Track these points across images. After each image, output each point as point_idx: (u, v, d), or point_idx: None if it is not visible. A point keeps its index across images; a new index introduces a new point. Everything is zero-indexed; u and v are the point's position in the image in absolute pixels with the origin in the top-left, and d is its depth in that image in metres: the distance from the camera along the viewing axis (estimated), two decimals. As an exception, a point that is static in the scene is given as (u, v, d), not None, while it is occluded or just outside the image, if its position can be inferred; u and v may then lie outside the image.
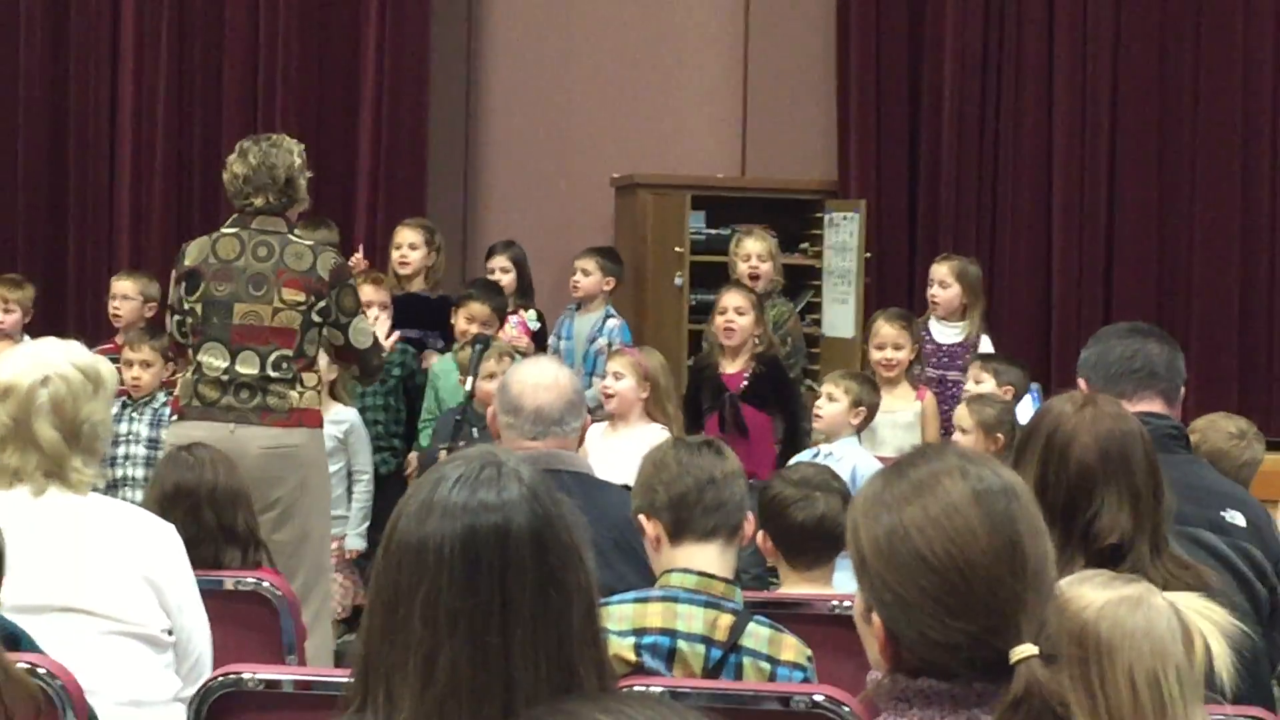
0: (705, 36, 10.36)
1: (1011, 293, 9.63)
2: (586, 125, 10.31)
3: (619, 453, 6.11)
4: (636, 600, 3.53)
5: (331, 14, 9.85)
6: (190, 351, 6.08)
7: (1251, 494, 4.41)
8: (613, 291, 8.44)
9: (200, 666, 3.77)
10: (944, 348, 7.67)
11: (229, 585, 4.29)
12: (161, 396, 7.14)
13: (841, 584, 4.40)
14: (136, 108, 9.70)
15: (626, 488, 4.03)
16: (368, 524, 7.36)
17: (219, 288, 6.02)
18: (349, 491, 7.33)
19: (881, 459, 6.16)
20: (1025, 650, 2.17)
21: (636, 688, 3.12)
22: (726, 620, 3.51)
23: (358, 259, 8.10)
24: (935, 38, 9.85)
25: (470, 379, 6.50)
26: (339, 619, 7.02)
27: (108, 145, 9.78)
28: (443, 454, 6.63)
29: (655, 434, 6.18)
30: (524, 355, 6.61)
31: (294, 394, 5.97)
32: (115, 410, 6.71)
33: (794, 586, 4.46)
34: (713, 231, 9.74)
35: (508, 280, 8.36)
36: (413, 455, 7.56)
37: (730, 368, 7.30)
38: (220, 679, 3.31)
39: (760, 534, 4.40)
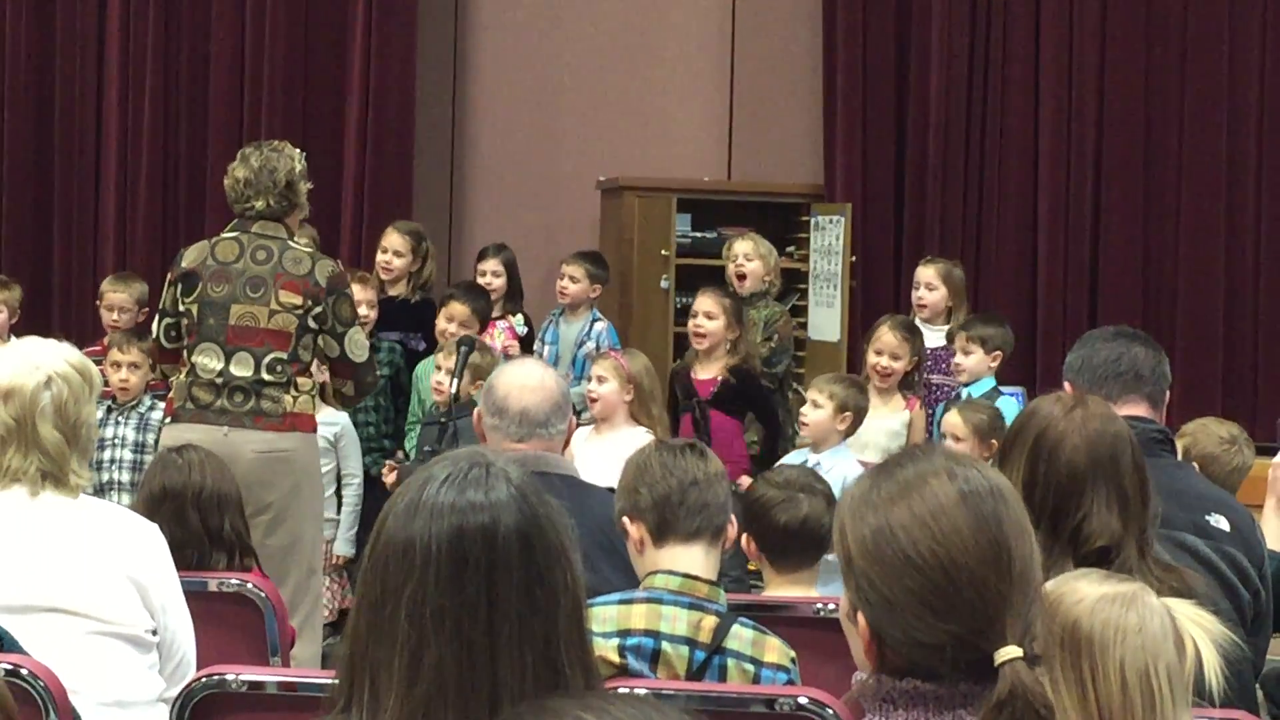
0: (691, 40, 10.37)
1: (996, 296, 9.63)
2: (573, 128, 10.31)
3: (603, 456, 6.10)
4: (621, 601, 3.53)
5: (318, 17, 9.84)
6: (184, 353, 6.06)
7: (1237, 499, 4.42)
8: (598, 296, 8.44)
9: (184, 667, 3.77)
10: (929, 351, 7.68)
11: (213, 587, 4.28)
12: (148, 400, 7.13)
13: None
14: (122, 110, 9.69)
15: (611, 490, 4.03)
16: (356, 529, 7.35)
17: (216, 289, 6.01)
18: (338, 494, 7.30)
19: (863, 464, 6.15)
20: (1010, 652, 2.17)
21: (621, 689, 3.12)
22: (710, 622, 3.51)
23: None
24: (921, 41, 9.86)
25: (455, 381, 6.49)
26: (326, 622, 7.01)
27: (93, 148, 9.77)
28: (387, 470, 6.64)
29: (639, 437, 6.18)
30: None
31: (288, 398, 5.97)
32: (100, 414, 6.72)
33: (778, 589, 4.46)
34: (699, 234, 9.75)
35: (498, 284, 8.33)
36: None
37: (704, 373, 7.27)
38: (204, 680, 3.30)
39: (744, 536, 4.40)
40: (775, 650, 3.56)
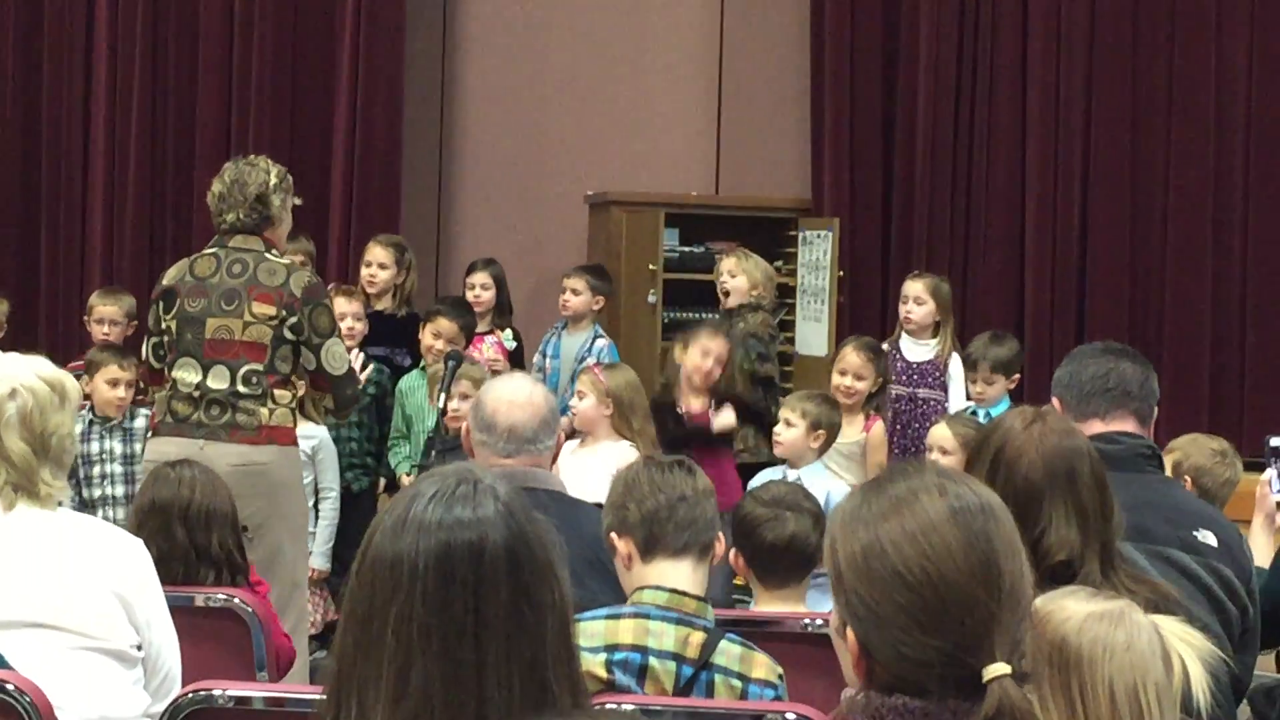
0: (680, 55, 10.38)
1: (984, 312, 9.63)
2: (561, 143, 10.32)
3: (587, 469, 6.12)
4: (608, 616, 3.53)
5: (306, 31, 9.84)
6: (165, 370, 6.05)
7: (1224, 514, 4.42)
8: (601, 310, 8.42)
9: (169, 683, 3.75)
10: (915, 365, 7.68)
11: (200, 602, 4.28)
12: (128, 410, 7.09)
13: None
14: (110, 125, 9.69)
15: (598, 505, 4.03)
16: (333, 543, 7.31)
17: (193, 304, 6.00)
18: (315, 509, 7.26)
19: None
20: (998, 669, 2.17)
21: (608, 705, 3.12)
22: (698, 637, 3.51)
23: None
24: (909, 56, 9.88)
25: (441, 396, 6.48)
26: (310, 635, 6.98)
27: (80, 163, 9.77)
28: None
29: (622, 450, 6.19)
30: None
31: (264, 410, 5.93)
32: (83, 429, 6.69)
33: (766, 605, 4.46)
34: (686, 249, 9.75)
35: (487, 297, 8.30)
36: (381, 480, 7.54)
37: (696, 405, 7.16)
38: (190, 695, 3.30)
39: (733, 553, 4.40)
40: (763, 666, 3.56)
